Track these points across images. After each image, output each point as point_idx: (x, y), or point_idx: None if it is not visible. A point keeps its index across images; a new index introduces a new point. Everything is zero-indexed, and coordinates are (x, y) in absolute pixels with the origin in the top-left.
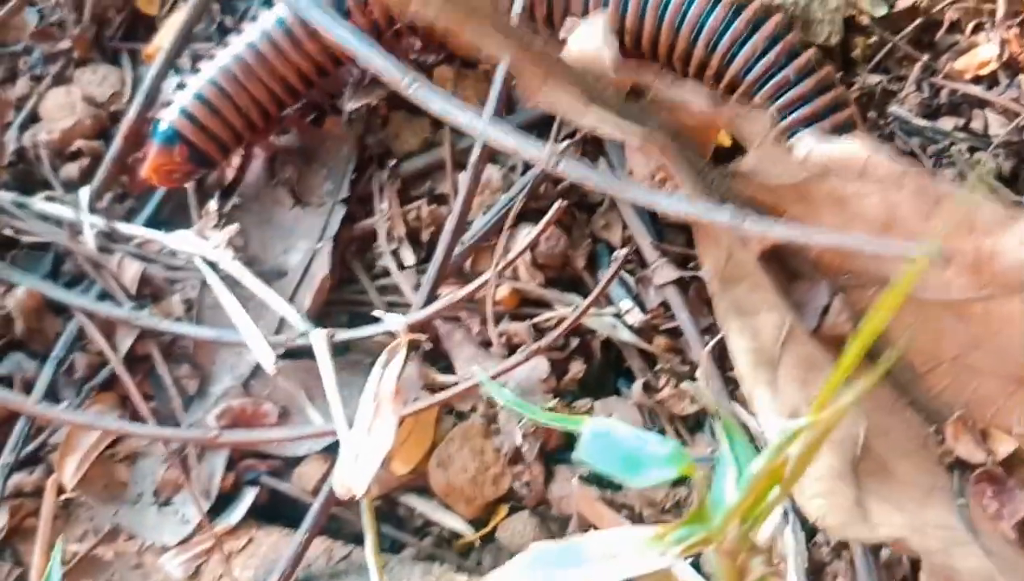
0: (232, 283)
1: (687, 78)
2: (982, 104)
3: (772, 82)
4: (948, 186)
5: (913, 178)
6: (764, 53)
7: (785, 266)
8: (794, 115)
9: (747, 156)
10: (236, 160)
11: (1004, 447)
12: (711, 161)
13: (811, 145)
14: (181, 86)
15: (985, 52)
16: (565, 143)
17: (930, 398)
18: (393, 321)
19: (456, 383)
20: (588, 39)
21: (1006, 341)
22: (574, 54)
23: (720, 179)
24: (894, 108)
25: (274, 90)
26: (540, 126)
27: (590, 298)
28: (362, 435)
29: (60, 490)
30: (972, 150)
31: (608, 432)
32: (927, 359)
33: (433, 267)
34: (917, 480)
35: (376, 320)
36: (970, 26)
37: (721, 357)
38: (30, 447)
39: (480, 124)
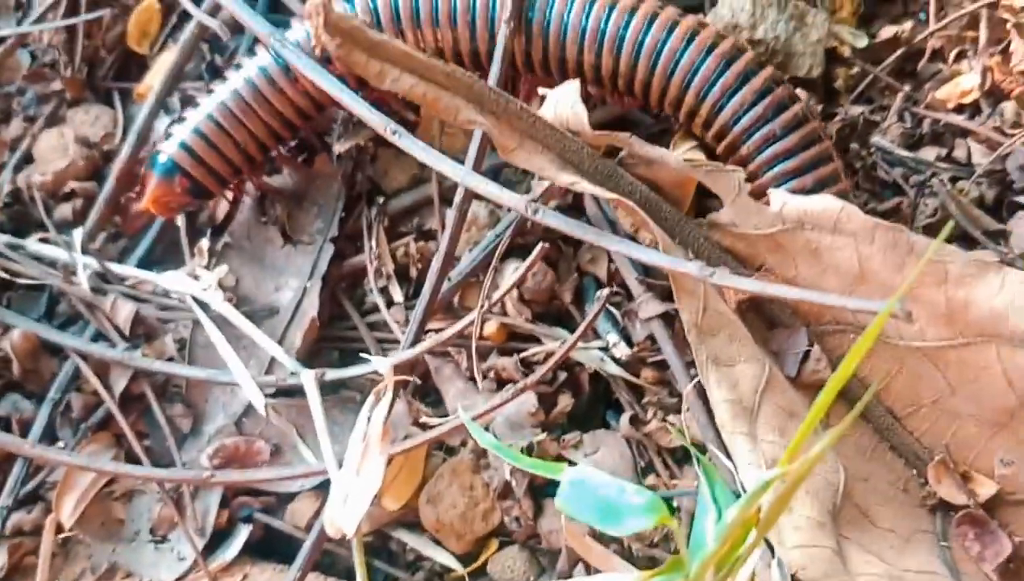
0: (224, 322)
1: (677, 123)
2: (964, 133)
3: (758, 134)
4: (919, 239)
5: (884, 232)
6: (752, 105)
7: (764, 314)
8: (778, 168)
9: (724, 209)
10: (230, 195)
11: (985, 489)
12: (690, 214)
13: (786, 199)
14: (180, 120)
15: (967, 81)
16: (542, 189)
17: (911, 442)
18: (379, 363)
19: (445, 420)
20: (562, 102)
21: (983, 387)
22: (549, 117)
23: (697, 230)
24: (876, 138)
25: (271, 125)
26: None
27: (576, 335)
28: (351, 476)
29: (59, 529)
30: (954, 180)
31: (586, 481)
32: (907, 404)
33: (420, 306)
34: (898, 525)
35: (367, 356)
36: (953, 54)
37: (707, 391)
38: (29, 486)
39: (461, 172)
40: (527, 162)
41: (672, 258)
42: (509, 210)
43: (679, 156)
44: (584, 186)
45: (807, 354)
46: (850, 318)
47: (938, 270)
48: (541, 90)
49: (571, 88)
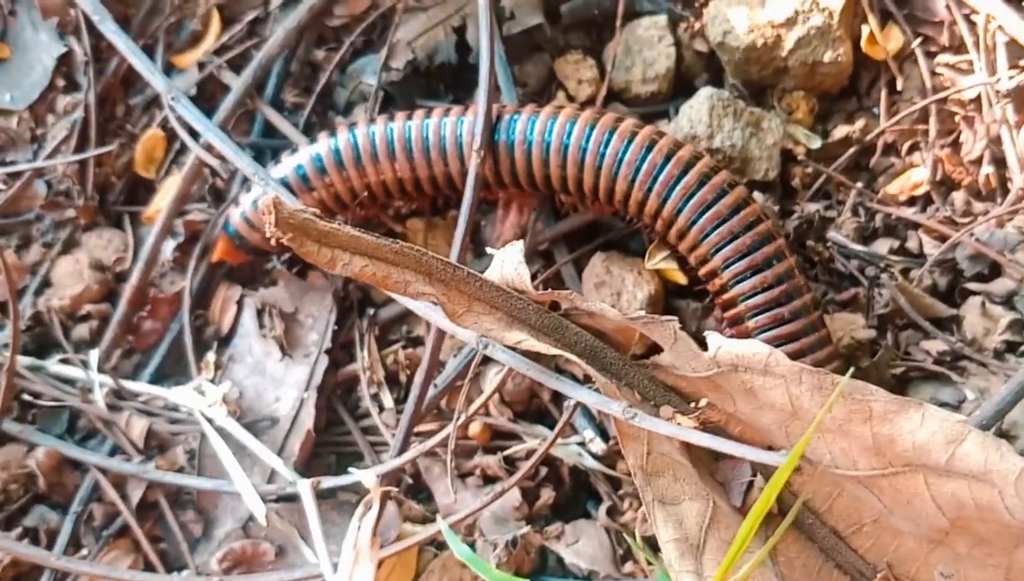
0: (228, 434)
1: (645, 227)
2: (916, 225)
3: (716, 233)
4: (844, 380)
5: (810, 375)
6: (711, 205)
7: (708, 448)
8: (735, 265)
9: (664, 354)
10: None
11: None
12: (632, 358)
13: (719, 343)
14: (247, 189)
15: (918, 174)
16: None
17: (855, 559)
18: (365, 475)
19: (433, 519)
20: (507, 264)
21: (916, 509)
22: (495, 278)
23: (642, 372)
24: (832, 234)
25: (337, 194)
26: None
27: (552, 437)
28: (344, 580)
29: None
30: (906, 271)
31: None
32: (849, 523)
33: (406, 416)
34: None
35: (362, 459)
36: (905, 147)
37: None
38: None
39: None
40: (476, 324)
41: (599, 397)
42: None
43: (615, 311)
44: (531, 343)
45: (751, 484)
46: (787, 446)
47: (863, 408)
48: (489, 250)
49: (514, 250)
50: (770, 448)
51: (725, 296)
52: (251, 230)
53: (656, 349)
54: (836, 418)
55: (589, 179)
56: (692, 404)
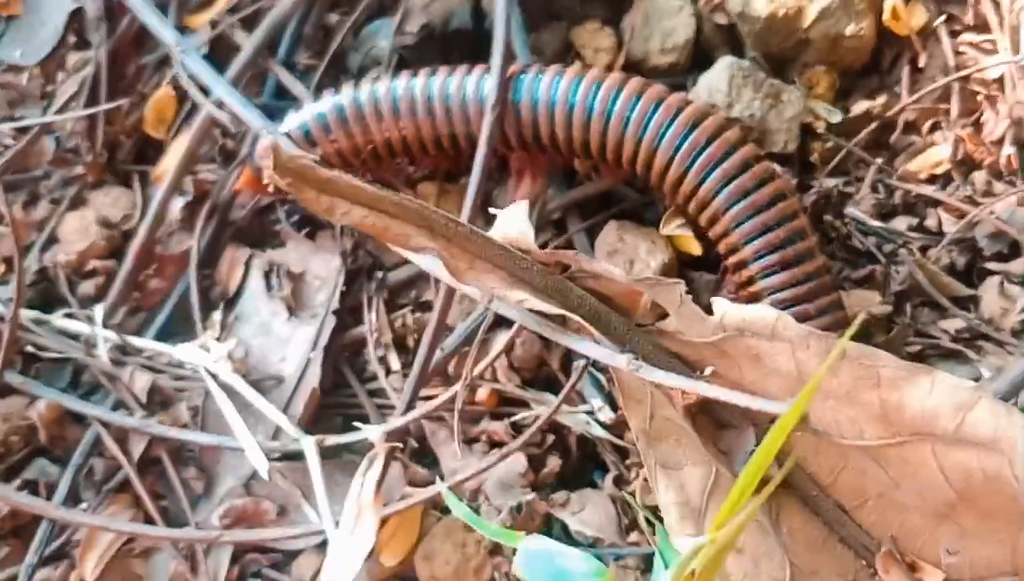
0: (234, 391)
1: (662, 196)
2: (935, 203)
3: (739, 206)
4: (851, 345)
5: (817, 339)
6: (734, 177)
7: (713, 415)
8: (758, 241)
9: (669, 318)
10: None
11: (932, 578)
12: (636, 323)
13: (725, 308)
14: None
15: (938, 152)
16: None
17: (860, 533)
18: (371, 431)
19: (432, 488)
20: (511, 223)
21: (923, 482)
22: (498, 237)
23: (646, 338)
24: (851, 209)
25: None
26: None
27: (557, 401)
28: (346, 537)
29: None
30: (925, 249)
31: (540, 551)
32: (854, 497)
33: (413, 376)
34: None
35: (367, 422)
36: (926, 126)
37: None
38: (54, 545)
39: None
40: (479, 282)
41: (603, 350)
42: None
43: (621, 272)
44: (533, 303)
45: (753, 452)
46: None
47: (871, 374)
48: (491, 210)
49: (519, 209)
50: (774, 419)
51: (742, 271)
52: (306, 144)
53: (662, 316)
54: (843, 384)
55: (612, 143)
56: (697, 372)
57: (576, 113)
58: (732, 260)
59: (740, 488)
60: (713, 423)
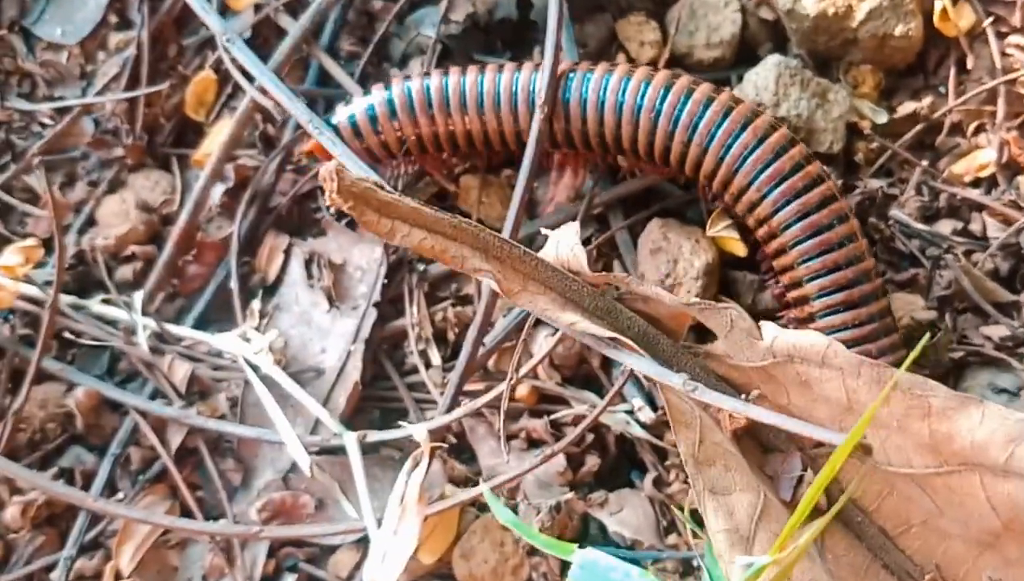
0: (274, 382)
1: (710, 194)
2: (980, 207)
3: (790, 208)
4: (903, 375)
5: (869, 368)
6: (784, 178)
7: (760, 440)
8: (806, 243)
9: (718, 341)
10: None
11: None
12: (684, 345)
13: (776, 333)
14: (365, 93)
15: (984, 156)
16: None
17: (903, 560)
18: (416, 429)
19: (475, 480)
20: (563, 244)
21: (969, 510)
22: (550, 259)
23: (693, 360)
24: (895, 211)
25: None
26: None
27: (603, 404)
28: (389, 535)
29: (118, 575)
30: (969, 253)
31: (595, 563)
32: (898, 523)
33: (456, 372)
34: None
35: (404, 423)
36: (972, 128)
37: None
38: (91, 534)
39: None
40: (531, 304)
41: (660, 369)
42: None
43: (672, 296)
44: (585, 325)
45: (801, 478)
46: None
47: (921, 404)
48: (544, 231)
49: (570, 230)
50: (822, 445)
51: (790, 273)
52: (353, 136)
53: (710, 337)
54: (893, 413)
55: (660, 144)
56: (743, 396)
57: (625, 113)
58: (783, 272)
59: (793, 523)
60: (759, 447)
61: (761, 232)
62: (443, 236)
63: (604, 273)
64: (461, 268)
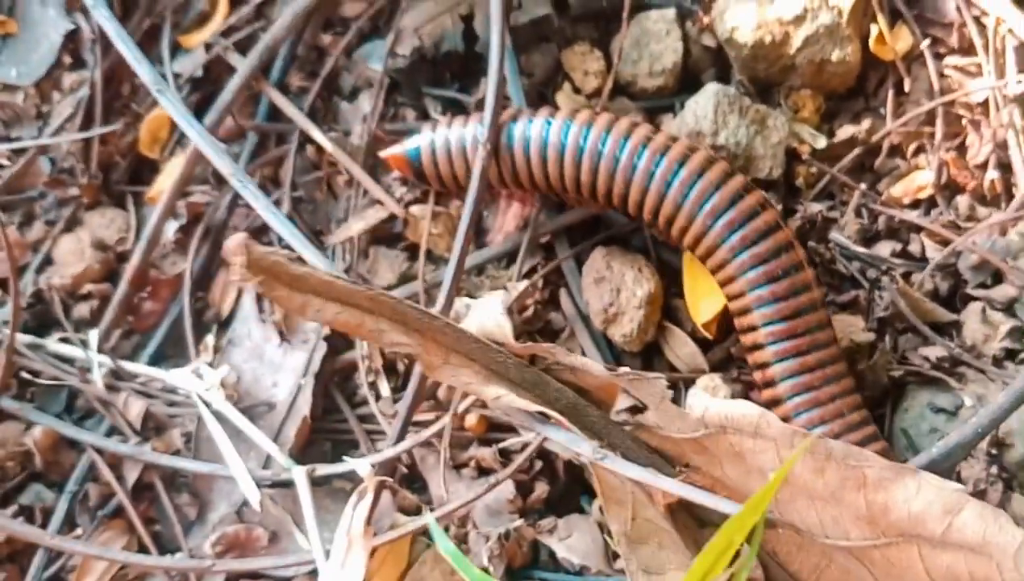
0: (225, 418)
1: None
2: (919, 229)
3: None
4: (836, 445)
5: (802, 438)
6: (728, 209)
7: (694, 515)
8: (752, 273)
9: (648, 412)
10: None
11: None
12: (613, 418)
13: (707, 404)
14: (436, 124)
15: (922, 177)
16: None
17: None
18: (360, 464)
19: (419, 518)
20: (487, 314)
21: None
22: (473, 329)
23: (623, 432)
24: (835, 235)
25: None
26: (509, 257)
27: (544, 433)
28: (337, 567)
29: None
30: (907, 274)
31: None
32: None
33: (404, 407)
34: None
35: (358, 447)
36: (911, 149)
37: None
38: (51, 570)
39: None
40: (454, 378)
41: (570, 436)
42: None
43: (600, 367)
44: (511, 399)
45: (737, 554)
46: (775, 513)
47: (857, 475)
48: (465, 301)
49: (495, 301)
50: None
51: (757, 354)
52: (430, 160)
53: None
54: (828, 484)
55: (635, 196)
56: (677, 468)
57: (603, 164)
58: (751, 350)
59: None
60: (694, 522)
61: (727, 289)
62: (359, 309)
63: (530, 344)
64: (379, 343)
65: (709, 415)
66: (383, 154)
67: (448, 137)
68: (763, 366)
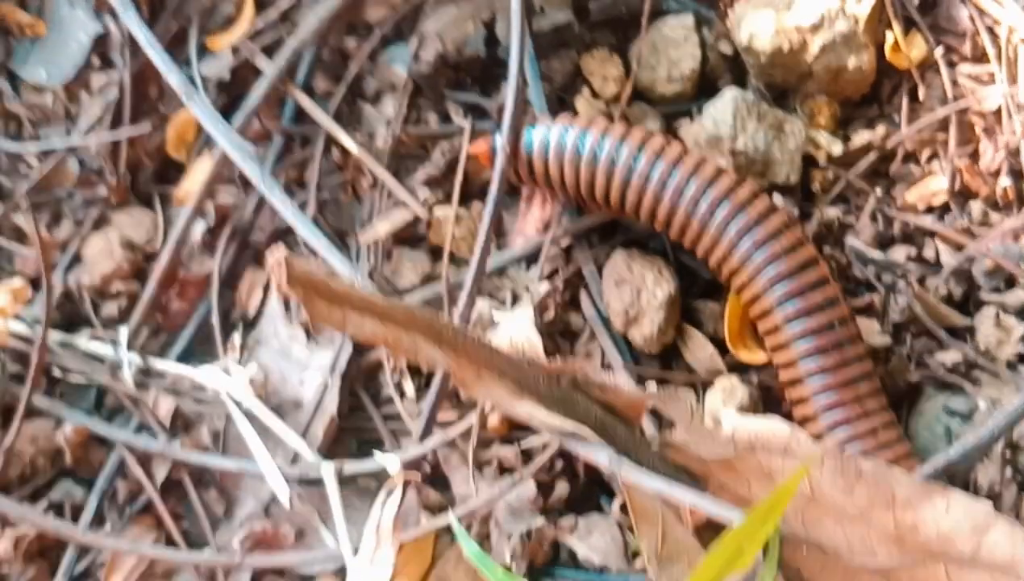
0: (254, 415)
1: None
2: (933, 234)
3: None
4: (867, 465)
5: (832, 457)
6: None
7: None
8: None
9: (677, 430)
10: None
11: None
12: (641, 434)
13: (736, 422)
14: (536, 126)
15: (936, 183)
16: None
17: None
18: (389, 460)
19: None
20: (517, 329)
21: None
22: (505, 346)
23: (651, 450)
24: (850, 239)
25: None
26: (531, 259)
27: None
28: (365, 564)
29: None
30: (923, 279)
31: None
32: None
33: (428, 404)
34: None
35: (379, 453)
36: (925, 156)
37: None
38: (81, 565)
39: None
40: (486, 394)
41: (586, 445)
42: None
43: (630, 384)
44: (541, 415)
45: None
46: (802, 533)
47: (886, 493)
48: (495, 313)
49: (524, 316)
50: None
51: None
52: (515, 156)
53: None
54: (858, 503)
55: (678, 224)
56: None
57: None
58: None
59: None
60: None
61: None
62: (395, 325)
63: (561, 362)
64: (415, 358)
65: (738, 435)
66: (472, 150)
67: (564, 138)
68: (795, 382)
